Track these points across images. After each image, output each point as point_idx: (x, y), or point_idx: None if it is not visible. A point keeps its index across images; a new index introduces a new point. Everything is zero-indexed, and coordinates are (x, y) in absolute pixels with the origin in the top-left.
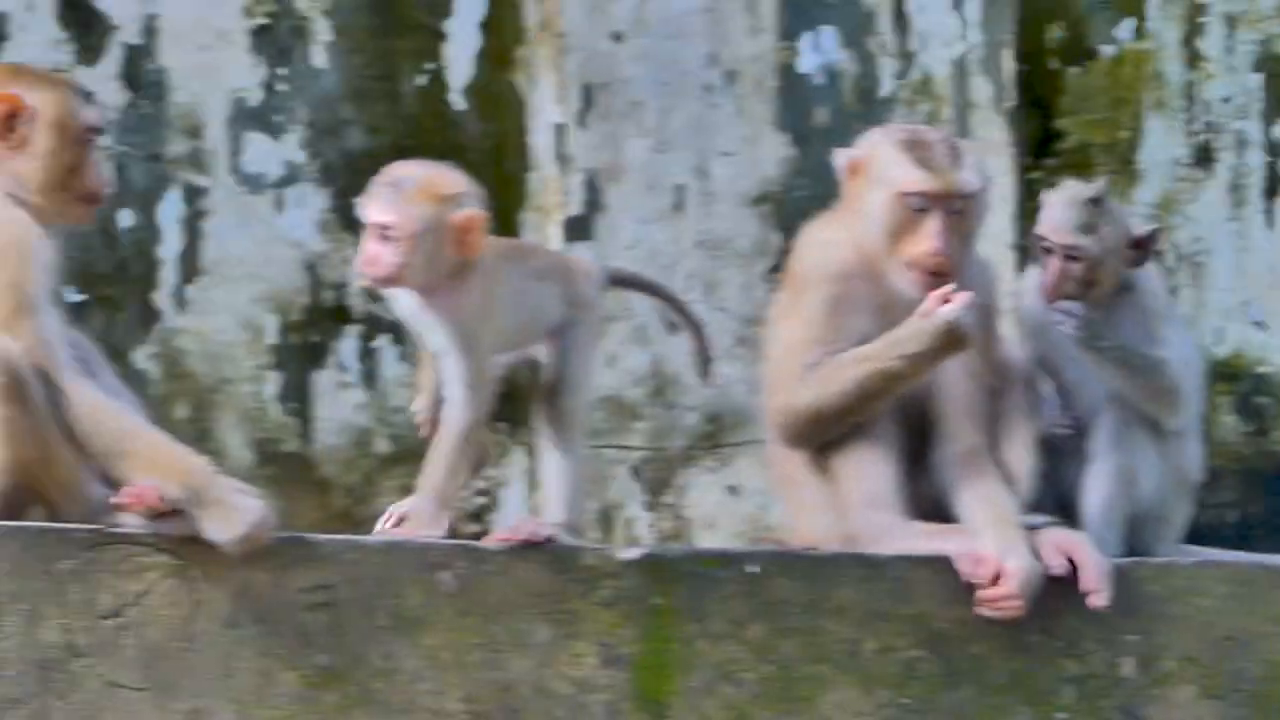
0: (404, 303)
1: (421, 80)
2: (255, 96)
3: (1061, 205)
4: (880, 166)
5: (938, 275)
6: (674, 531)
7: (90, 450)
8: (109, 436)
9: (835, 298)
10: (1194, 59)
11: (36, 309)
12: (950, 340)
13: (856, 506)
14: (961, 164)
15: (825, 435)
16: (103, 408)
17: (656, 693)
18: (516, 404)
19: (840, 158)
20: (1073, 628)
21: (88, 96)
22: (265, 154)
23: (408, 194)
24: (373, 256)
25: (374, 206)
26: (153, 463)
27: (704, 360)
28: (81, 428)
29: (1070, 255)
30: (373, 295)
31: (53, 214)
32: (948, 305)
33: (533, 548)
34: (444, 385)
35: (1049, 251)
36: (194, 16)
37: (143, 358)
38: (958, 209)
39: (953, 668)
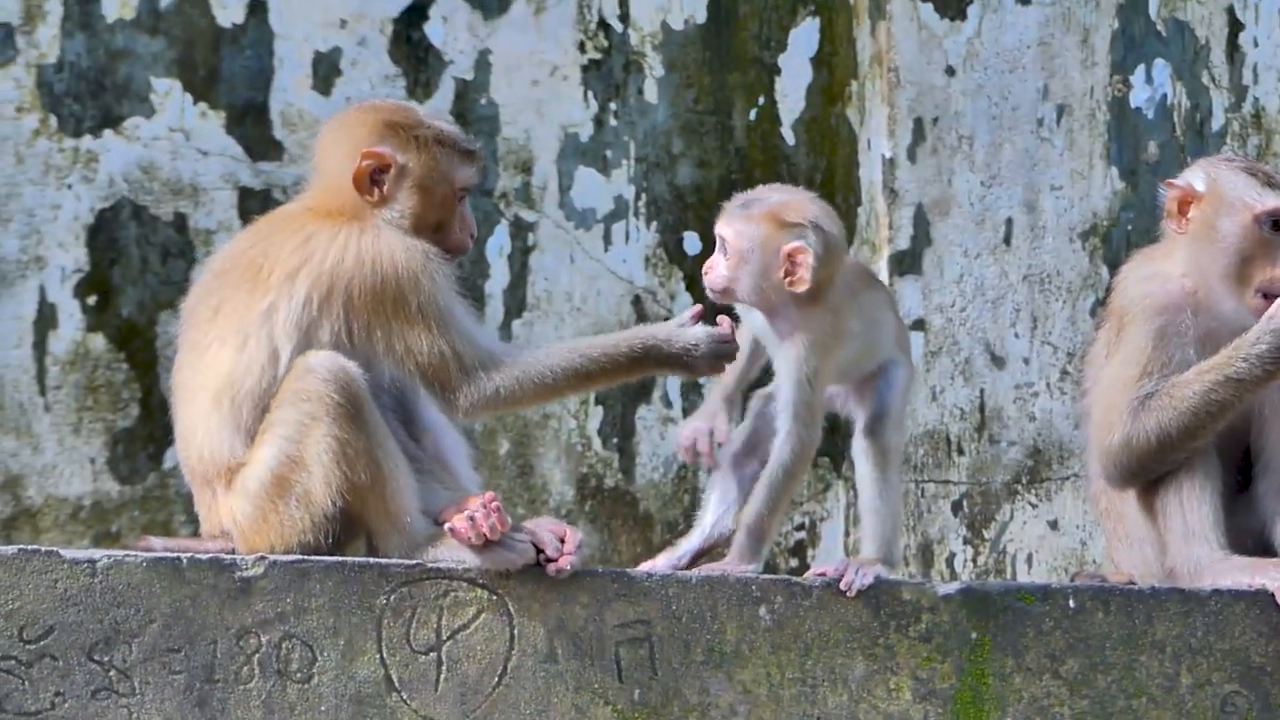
0: (754, 320)
1: (752, 115)
2: (586, 131)
3: None
4: (1228, 192)
5: None
6: (994, 566)
7: (562, 397)
8: (567, 377)
9: (1161, 330)
10: None
11: (456, 316)
12: None
13: (1177, 540)
14: None
15: (1161, 466)
16: (542, 362)
17: None
18: (836, 438)
19: (1170, 190)
20: None
21: (468, 154)
22: (594, 189)
23: (751, 213)
24: (709, 265)
25: (722, 218)
26: (611, 363)
27: None
28: (544, 388)
29: None
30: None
31: None
32: None
33: None
34: (773, 417)
35: None
36: (526, 52)
37: None
38: None
39: (1269, 703)
